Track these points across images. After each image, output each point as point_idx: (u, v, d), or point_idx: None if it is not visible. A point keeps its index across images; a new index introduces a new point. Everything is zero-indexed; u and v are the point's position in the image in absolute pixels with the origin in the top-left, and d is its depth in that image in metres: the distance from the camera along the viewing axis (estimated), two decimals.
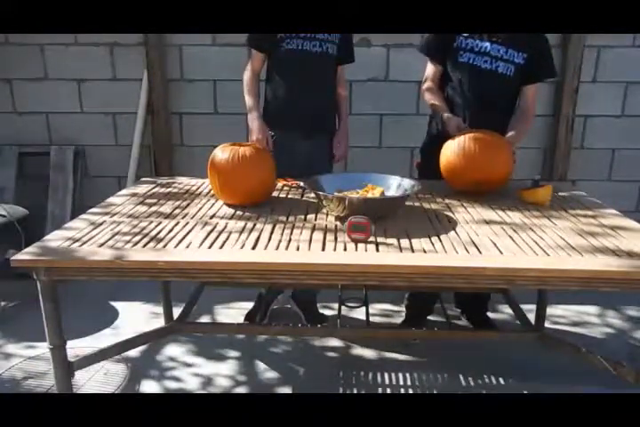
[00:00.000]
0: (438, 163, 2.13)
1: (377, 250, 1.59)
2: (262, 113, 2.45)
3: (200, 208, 1.99)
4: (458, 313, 2.77)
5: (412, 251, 1.58)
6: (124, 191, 2.25)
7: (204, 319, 2.79)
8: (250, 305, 2.78)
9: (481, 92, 2.27)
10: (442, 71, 2.36)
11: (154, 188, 2.27)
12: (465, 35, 2.25)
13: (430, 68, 2.40)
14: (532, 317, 2.41)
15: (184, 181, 2.38)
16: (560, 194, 2.19)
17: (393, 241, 1.64)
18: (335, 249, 1.60)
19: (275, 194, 2.13)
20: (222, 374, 2.33)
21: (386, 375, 2.32)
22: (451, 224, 1.81)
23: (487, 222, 1.83)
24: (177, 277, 1.63)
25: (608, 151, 3.41)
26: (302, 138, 2.41)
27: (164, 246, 1.60)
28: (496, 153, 2.04)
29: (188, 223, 1.81)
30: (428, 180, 2.23)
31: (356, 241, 1.64)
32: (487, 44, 2.23)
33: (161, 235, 1.69)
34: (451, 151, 2.06)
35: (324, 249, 1.60)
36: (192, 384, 2.26)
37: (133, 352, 2.37)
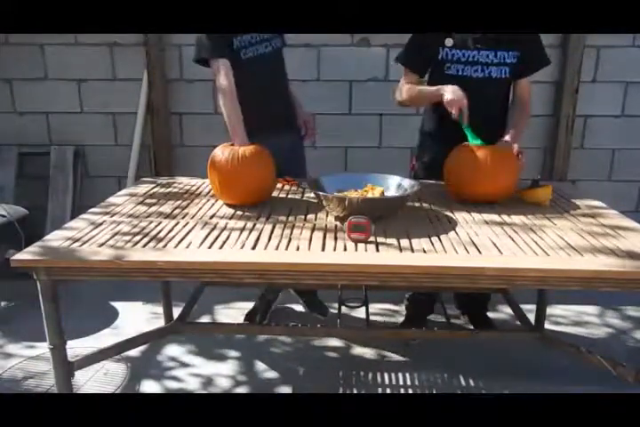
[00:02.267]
0: (434, 162, 2.12)
1: (377, 250, 1.59)
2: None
3: (200, 208, 1.99)
4: (458, 313, 2.77)
5: (412, 251, 1.58)
6: (123, 191, 2.25)
7: (204, 319, 2.79)
8: (250, 305, 2.78)
9: (475, 101, 2.13)
10: (418, 83, 2.26)
11: (154, 188, 2.27)
12: (449, 45, 2.16)
13: (407, 79, 2.28)
14: (532, 317, 2.41)
15: (184, 181, 2.38)
16: (560, 194, 2.19)
17: (393, 241, 1.64)
18: (335, 249, 1.60)
19: (275, 194, 2.13)
20: (222, 374, 2.33)
21: (386, 375, 2.32)
22: (451, 224, 1.81)
23: (487, 222, 1.84)
24: (177, 278, 1.63)
25: (608, 151, 3.41)
26: (279, 138, 2.34)
27: (164, 246, 1.60)
28: (503, 174, 1.98)
29: (188, 223, 1.81)
30: (427, 180, 2.23)
31: (356, 241, 1.64)
32: (474, 52, 2.15)
33: (161, 235, 1.70)
34: (456, 170, 2.00)
35: (323, 249, 1.60)
36: (192, 384, 2.26)
37: (133, 352, 2.37)
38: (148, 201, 2.08)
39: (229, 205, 2.01)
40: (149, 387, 2.24)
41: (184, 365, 2.39)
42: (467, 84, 2.14)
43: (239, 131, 2.15)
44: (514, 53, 2.18)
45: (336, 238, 1.67)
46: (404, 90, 2.28)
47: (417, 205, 2.02)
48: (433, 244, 1.63)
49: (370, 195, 1.89)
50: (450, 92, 2.03)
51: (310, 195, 2.10)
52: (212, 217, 1.89)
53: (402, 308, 2.77)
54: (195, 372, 2.34)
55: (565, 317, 2.83)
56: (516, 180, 2.04)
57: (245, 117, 2.28)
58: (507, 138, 2.15)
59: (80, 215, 1.93)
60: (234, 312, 2.85)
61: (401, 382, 2.28)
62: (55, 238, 1.68)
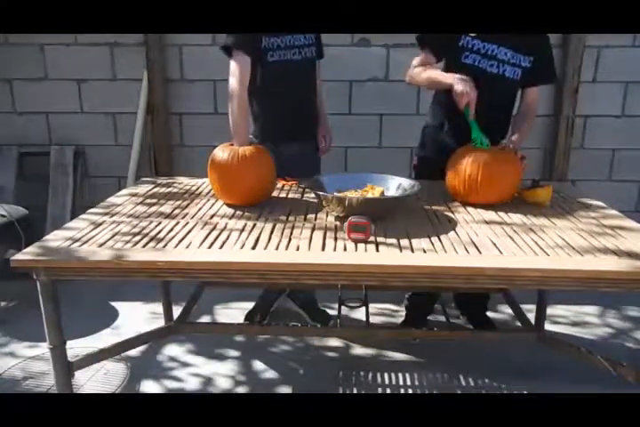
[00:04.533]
0: (438, 157, 2.13)
1: (377, 250, 1.59)
2: (253, 127, 2.37)
3: (200, 208, 1.99)
4: (458, 313, 2.77)
5: (412, 251, 1.58)
6: (124, 191, 2.25)
7: (204, 319, 2.79)
8: (250, 305, 2.78)
9: (486, 96, 2.11)
10: (433, 64, 2.23)
11: (154, 188, 2.27)
12: (472, 34, 2.16)
13: (422, 58, 2.23)
14: (531, 317, 2.41)
15: (184, 181, 2.38)
16: (560, 194, 2.19)
17: (393, 241, 1.64)
18: (335, 249, 1.60)
19: (275, 194, 2.13)
20: (222, 374, 2.33)
21: (386, 375, 2.32)
22: (451, 224, 1.81)
23: (487, 222, 1.83)
24: (177, 277, 1.63)
25: (608, 151, 3.41)
26: (293, 143, 2.37)
27: (164, 246, 1.60)
28: (508, 182, 1.99)
29: (188, 223, 1.81)
30: (427, 180, 2.23)
31: (355, 241, 1.64)
32: (494, 46, 2.15)
33: (161, 235, 1.69)
34: (459, 174, 1.99)
35: (323, 249, 1.60)
36: (192, 384, 2.26)
37: (133, 352, 2.37)
38: (148, 201, 2.08)
39: (229, 205, 2.01)
40: (149, 387, 2.24)
41: (184, 365, 2.39)
42: (479, 77, 2.14)
43: (241, 133, 2.17)
44: (529, 58, 2.19)
45: (336, 238, 1.67)
46: (417, 71, 2.22)
47: (417, 205, 2.02)
48: (433, 244, 1.63)
49: (370, 195, 1.89)
50: (461, 84, 2.01)
51: (310, 195, 2.10)
52: (212, 217, 1.89)
53: (402, 308, 2.77)
54: (195, 372, 2.34)
55: (565, 317, 2.83)
56: (518, 184, 2.04)
57: (261, 118, 2.34)
58: (512, 138, 2.15)
59: (80, 215, 1.93)
60: (234, 312, 2.85)
61: (401, 382, 2.28)
62: (55, 238, 1.68)
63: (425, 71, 2.19)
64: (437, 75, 2.15)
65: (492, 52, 2.17)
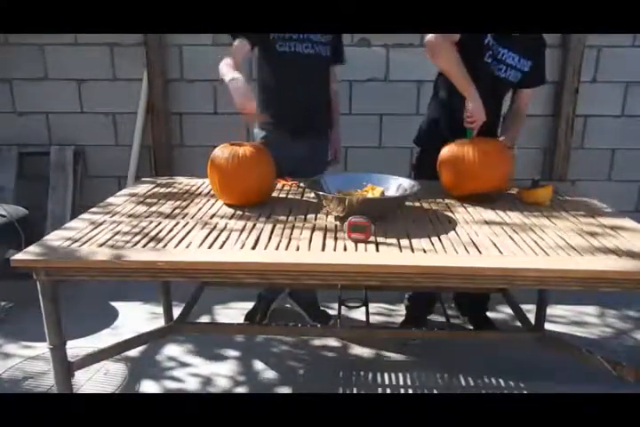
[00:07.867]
0: (436, 158, 2.13)
1: (377, 250, 1.59)
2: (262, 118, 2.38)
3: (200, 208, 1.99)
4: (458, 313, 2.77)
5: (412, 251, 1.57)
6: (123, 191, 2.25)
7: (204, 319, 2.79)
8: (250, 305, 2.78)
9: (493, 98, 2.15)
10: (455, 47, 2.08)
11: (154, 188, 2.27)
12: (494, 36, 2.12)
13: (447, 36, 2.05)
14: (532, 317, 2.41)
15: (184, 181, 2.38)
16: (560, 194, 2.19)
17: (393, 241, 1.64)
18: (335, 249, 1.60)
19: (275, 194, 2.13)
20: (222, 374, 2.33)
21: (386, 375, 2.32)
22: (451, 224, 1.81)
23: (487, 222, 1.83)
24: (177, 277, 1.63)
25: (608, 151, 3.41)
26: (295, 138, 2.37)
27: (164, 246, 1.60)
28: (497, 166, 1.99)
29: (187, 223, 1.81)
30: (427, 180, 2.22)
31: (356, 241, 1.64)
32: (505, 50, 2.14)
33: (161, 235, 1.69)
34: (449, 164, 2.01)
35: (323, 249, 1.60)
36: (192, 384, 2.26)
37: (133, 352, 2.37)
38: (147, 201, 2.08)
39: (229, 205, 2.01)
40: (149, 387, 2.24)
41: (184, 365, 2.40)
42: (492, 79, 2.15)
43: (238, 86, 2.01)
44: (530, 63, 2.21)
45: (336, 238, 1.67)
46: (449, 49, 2.05)
47: (417, 205, 2.02)
48: (433, 244, 1.63)
49: (370, 195, 1.89)
50: (477, 105, 2.02)
51: (310, 195, 2.10)
52: (212, 217, 1.89)
53: (402, 308, 2.77)
54: (194, 372, 2.34)
55: (565, 317, 2.83)
56: (510, 169, 2.04)
57: (270, 109, 2.35)
58: (501, 139, 2.16)
59: (80, 215, 1.93)
60: (234, 312, 2.85)
61: (401, 382, 2.28)
62: (55, 238, 1.68)
63: (456, 60, 2.05)
64: (465, 77, 2.05)
65: (502, 56, 2.17)
